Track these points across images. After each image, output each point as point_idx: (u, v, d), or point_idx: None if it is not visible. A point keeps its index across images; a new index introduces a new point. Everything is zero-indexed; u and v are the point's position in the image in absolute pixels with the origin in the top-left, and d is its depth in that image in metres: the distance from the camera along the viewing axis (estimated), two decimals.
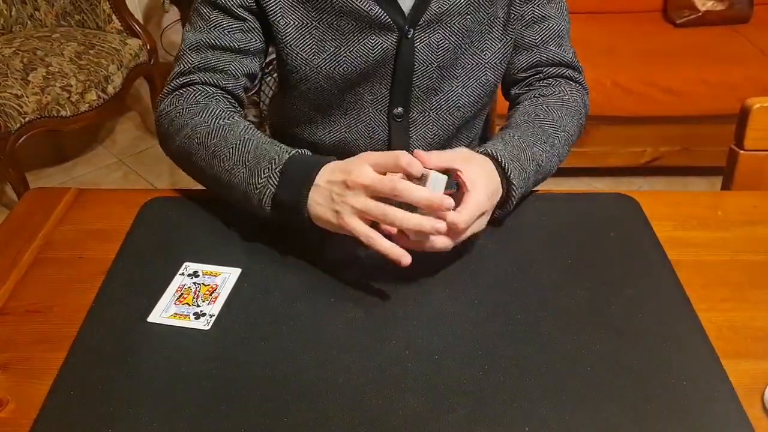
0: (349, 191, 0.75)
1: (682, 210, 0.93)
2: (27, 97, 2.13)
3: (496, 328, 0.73)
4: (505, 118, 1.01)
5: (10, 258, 0.83)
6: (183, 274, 0.78)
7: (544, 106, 0.97)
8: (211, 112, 0.90)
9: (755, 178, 1.05)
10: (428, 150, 1.03)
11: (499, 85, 1.07)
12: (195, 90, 0.93)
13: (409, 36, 0.93)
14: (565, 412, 0.64)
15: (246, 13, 0.94)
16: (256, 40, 0.96)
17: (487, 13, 0.96)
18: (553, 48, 1.02)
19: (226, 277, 0.78)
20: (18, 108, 2.10)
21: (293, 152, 0.81)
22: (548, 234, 0.86)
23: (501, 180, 0.83)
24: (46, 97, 2.16)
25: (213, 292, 0.76)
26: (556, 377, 0.67)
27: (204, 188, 0.91)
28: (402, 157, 0.74)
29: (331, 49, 0.94)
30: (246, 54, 0.96)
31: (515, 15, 0.99)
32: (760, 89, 2.19)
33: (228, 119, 0.89)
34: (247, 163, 0.82)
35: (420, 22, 0.93)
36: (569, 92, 1.00)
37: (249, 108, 2.89)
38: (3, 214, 2.42)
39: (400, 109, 1.01)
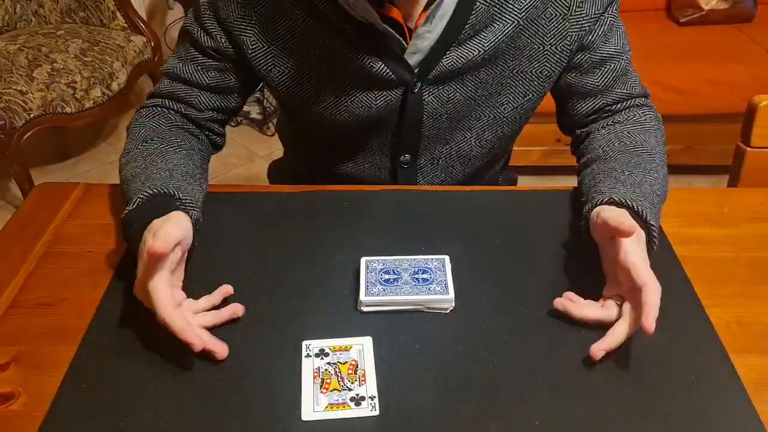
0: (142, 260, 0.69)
1: (689, 207, 0.93)
2: (32, 93, 2.13)
3: (505, 324, 0.73)
4: (570, 150, 0.95)
5: (20, 252, 0.84)
6: (309, 355, 0.69)
7: (626, 133, 0.90)
8: (150, 135, 0.89)
9: (762, 175, 1.05)
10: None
11: (518, 136, 1.01)
12: (160, 111, 0.93)
13: (416, 90, 0.88)
14: (575, 406, 0.64)
15: (221, 57, 0.90)
16: (231, 80, 0.93)
17: (509, 67, 0.88)
18: (619, 89, 0.93)
19: (360, 348, 0.70)
20: (23, 104, 2.10)
21: (152, 192, 0.76)
22: (556, 231, 0.86)
23: (639, 223, 0.74)
24: (50, 94, 2.17)
25: (356, 370, 0.68)
26: (565, 372, 0.68)
27: (212, 184, 0.92)
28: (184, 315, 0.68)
29: (331, 99, 0.90)
30: (216, 91, 0.94)
31: (556, 69, 0.90)
32: (764, 88, 2.17)
33: (160, 135, 0.88)
34: (125, 192, 0.81)
35: (429, 77, 0.87)
36: (641, 114, 0.93)
37: (252, 104, 2.90)
38: (7, 210, 2.42)
39: (407, 156, 0.96)
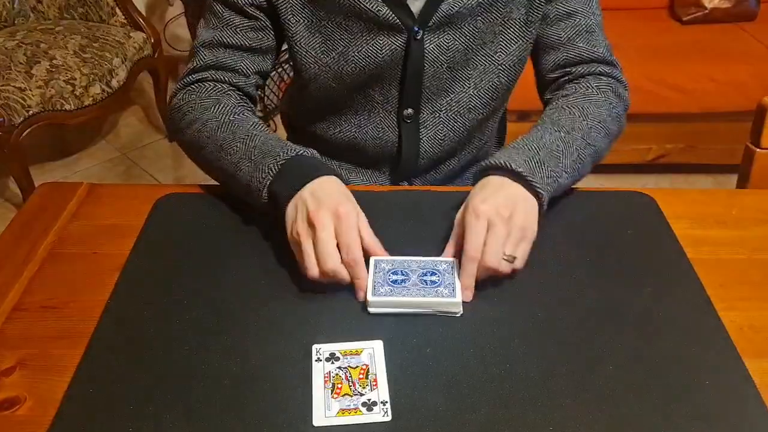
0: (322, 222, 0.74)
1: (698, 208, 0.92)
2: (31, 90, 2.12)
3: (516, 327, 0.72)
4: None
5: (24, 254, 0.83)
6: (319, 359, 0.68)
7: (562, 106, 0.93)
8: (222, 107, 0.91)
9: None
10: (439, 152, 1.03)
11: (513, 88, 1.05)
12: (208, 86, 0.95)
13: (419, 37, 0.92)
14: (589, 411, 0.63)
15: (257, 12, 0.94)
16: (267, 38, 0.96)
17: (501, 14, 0.94)
18: (581, 44, 0.97)
19: (371, 352, 0.70)
20: (21, 101, 2.09)
21: (299, 151, 0.82)
22: (565, 232, 0.86)
23: (511, 179, 0.80)
24: (50, 91, 2.15)
25: (367, 374, 0.67)
26: (577, 376, 0.67)
27: (218, 184, 0.91)
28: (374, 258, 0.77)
29: (340, 48, 0.93)
30: (257, 52, 0.97)
31: (536, 16, 0.95)
32: (767, 86, 2.18)
33: (238, 115, 0.90)
34: (252, 158, 0.83)
35: (429, 24, 0.91)
36: (595, 87, 0.96)
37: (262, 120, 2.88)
38: (6, 208, 2.41)
39: (410, 110, 0.99)
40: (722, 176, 2.46)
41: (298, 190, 0.78)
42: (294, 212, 0.77)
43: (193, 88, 0.95)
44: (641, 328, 0.72)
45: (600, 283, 0.78)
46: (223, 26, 0.94)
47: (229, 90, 0.95)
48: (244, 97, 0.97)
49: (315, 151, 0.85)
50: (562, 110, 0.92)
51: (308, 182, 0.79)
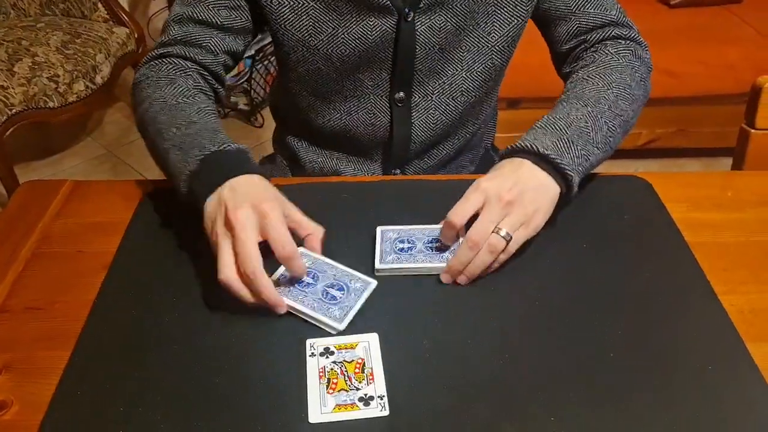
0: (242, 222, 0.69)
1: (694, 191, 0.91)
2: (13, 88, 2.08)
3: (514, 316, 0.71)
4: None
5: (8, 253, 0.80)
6: (314, 354, 0.67)
7: (583, 78, 0.90)
8: (174, 88, 0.88)
9: (767, 158, 1.03)
10: (432, 136, 1.01)
11: (505, 70, 1.04)
12: (169, 63, 0.92)
13: (409, 19, 0.90)
14: (590, 402, 0.62)
15: None
16: (241, 18, 0.94)
17: None
18: (592, 10, 0.94)
19: (366, 346, 0.68)
20: (4, 100, 2.05)
21: (225, 145, 0.77)
22: (561, 218, 0.84)
23: (534, 162, 0.78)
24: (32, 88, 2.12)
25: (363, 368, 0.66)
26: (578, 364, 0.66)
27: None
28: (311, 240, 0.75)
29: (329, 30, 0.91)
30: (229, 31, 0.94)
31: None
32: (757, 69, 2.18)
33: (188, 98, 0.87)
34: (183, 147, 0.79)
35: (420, 5, 0.90)
36: (614, 52, 0.93)
37: (240, 96, 2.86)
38: None
39: (401, 94, 0.98)
40: (711, 159, 2.46)
41: (218, 187, 0.73)
42: (214, 211, 0.72)
43: (155, 64, 0.92)
44: (641, 314, 0.71)
45: (598, 268, 0.77)
46: (196, 2, 0.92)
47: (190, 69, 0.92)
48: (207, 77, 0.94)
49: (246, 147, 0.79)
50: (585, 82, 0.89)
51: (230, 178, 0.73)
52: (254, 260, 0.67)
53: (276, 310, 0.70)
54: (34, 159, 2.63)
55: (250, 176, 0.75)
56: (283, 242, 0.69)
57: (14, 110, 2.08)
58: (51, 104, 2.18)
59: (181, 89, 0.88)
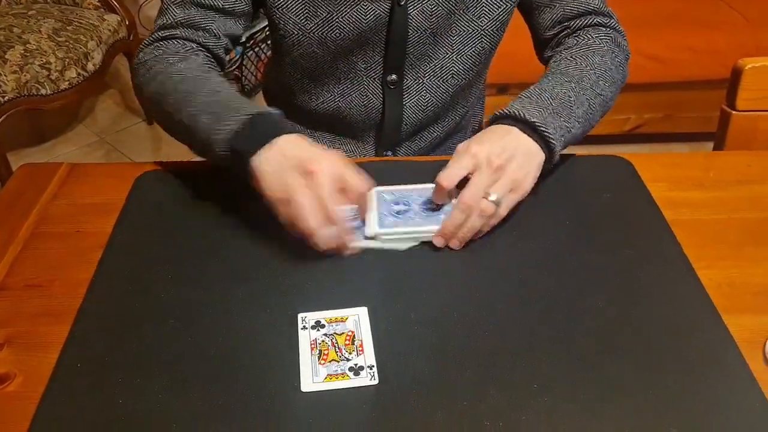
0: (307, 175, 0.72)
1: (676, 171, 0.93)
2: (5, 75, 2.09)
3: (497, 291, 0.73)
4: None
5: (6, 234, 0.82)
6: (305, 327, 0.69)
7: (567, 57, 0.94)
8: (189, 63, 0.89)
9: (747, 139, 1.06)
10: (423, 118, 1.03)
11: (494, 54, 1.06)
12: (176, 43, 0.93)
13: (402, 3, 0.92)
14: (573, 368, 0.65)
15: None
16: (242, 2, 0.95)
17: None
18: None
19: (356, 319, 0.70)
20: None
21: (262, 109, 0.80)
22: (544, 197, 0.86)
23: (521, 129, 0.80)
24: (25, 76, 2.12)
25: (353, 340, 0.68)
26: (560, 337, 0.68)
27: (197, 161, 0.90)
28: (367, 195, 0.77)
29: (324, 14, 0.93)
30: (230, 15, 0.95)
31: None
32: (743, 54, 2.19)
33: (205, 72, 0.88)
34: (214, 111, 0.80)
35: None
36: (596, 37, 0.97)
37: (231, 82, 2.86)
38: None
39: (393, 76, 1.00)
40: (697, 144, 2.49)
41: (265, 144, 0.75)
42: (278, 164, 0.73)
43: (161, 45, 0.93)
44: (621, 289, 0.74)
45: (579, 246, 0.79)
46: None
47: (198, 49, 0.93)
48: (212, 59, 0.95)
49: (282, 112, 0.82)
50: (569, 61, 0.93)
51: (278, 137, 0.75)
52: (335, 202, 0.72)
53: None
54: (27, 146, 2.64)
55: (298, 135, 0.77)
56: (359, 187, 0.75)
57: (7, 97, 2.08)
58: (43, 91, 2.19)
59: (196, 64, 0.89)
